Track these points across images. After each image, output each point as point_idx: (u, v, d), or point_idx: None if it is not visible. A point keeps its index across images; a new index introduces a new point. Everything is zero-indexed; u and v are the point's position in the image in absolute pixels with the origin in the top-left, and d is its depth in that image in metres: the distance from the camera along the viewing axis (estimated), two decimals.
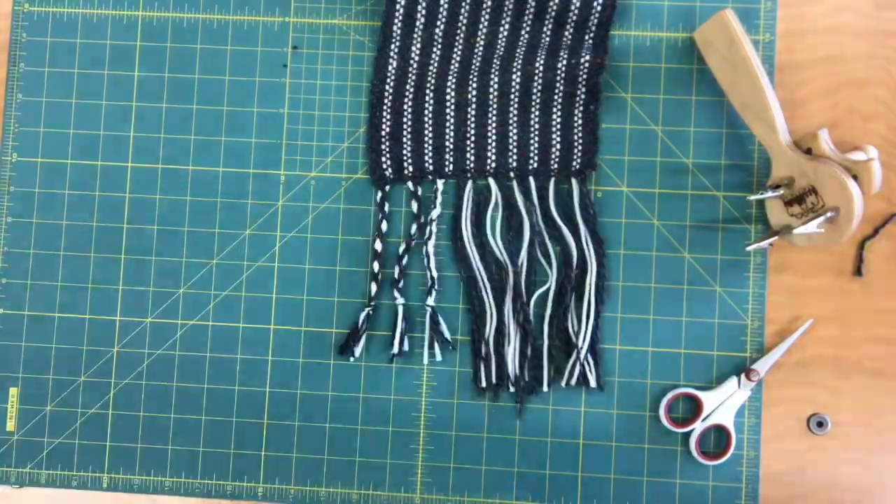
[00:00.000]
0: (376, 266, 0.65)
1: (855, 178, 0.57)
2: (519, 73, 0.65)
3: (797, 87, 0.66)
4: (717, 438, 0.65)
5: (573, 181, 0.65)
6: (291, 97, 0.68)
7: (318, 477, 0.65)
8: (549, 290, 0.65)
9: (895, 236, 0.65)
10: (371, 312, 0.65)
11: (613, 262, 0.65)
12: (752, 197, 0.61)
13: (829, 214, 0.57)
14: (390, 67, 0.66)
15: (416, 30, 0.66)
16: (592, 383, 0.64)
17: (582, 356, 0.64)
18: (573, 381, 0.64)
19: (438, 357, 0.65)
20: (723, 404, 0.64)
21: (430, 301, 0.65)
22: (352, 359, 0.65)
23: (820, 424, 0.64)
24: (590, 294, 0.64)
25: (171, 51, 0.68)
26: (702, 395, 0.64)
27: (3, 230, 0.68)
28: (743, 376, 0.64)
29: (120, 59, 0.68)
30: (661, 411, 0.64)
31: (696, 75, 0.66)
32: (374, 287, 0.65)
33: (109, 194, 0.68)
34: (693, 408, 0.64)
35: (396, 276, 0.65)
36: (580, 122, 0.65)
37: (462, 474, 0.65)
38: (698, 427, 0.64)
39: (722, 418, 0.63)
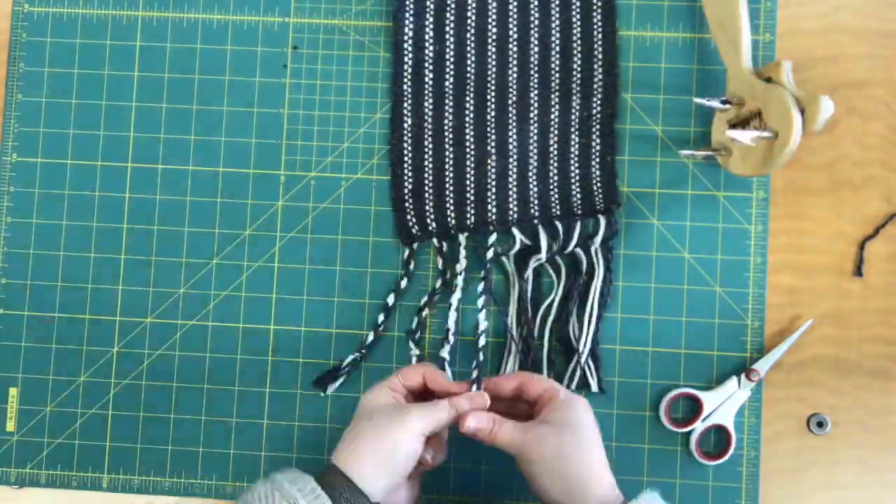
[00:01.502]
0: (381, 317, 0.65)
1: (802, 112, 0.57)
2: (536, 125, 0.65)
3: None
4: (717, 438, 0.65)
5: (601, 218, 0.65)
6: (291, 97, 0.68)
7: None
8: (553, 296, 0.65)
9: (895, 236, 0.65)
10: (360, 357, 0.65)
11: (613, 262, 0.65)
12: (698, 100, 0.61)
13: (766, 133, 0.57)
14: (406, 126, 0.66)
15: (425, 85, 0.66)
16: (594, 388, 0.64)
17: (583, 361, 0.64)
18: (573, 386, 0.64)
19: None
20: (723, 404, 0.64)
21: (445, 353, 0.64)
22: (322, 394, 0.65)
23: (820, 424, 0.64)
24: (593, 299, 0.64)
25: (171, 51, 0.68)
26: (702, 395, 0.64)
27: (3, 230, 0.68)
28: (743, 376, 0.64)
29: (120, 59, 0.68)
30: (662, 411, 0.64)
31: (696, 75, 0.66)
32: (370, 336, 0.65)
33: (109, 194, 0.68)
34: (693, 408, 0.64)
35: (414, 327, 0.65)
36: (598, 173, 0.65)
37: (462, 474, 0.65)
38: (698, 427, 0.64)
39: (722, 418, 0.63)
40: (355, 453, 0.53)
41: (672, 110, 0.66)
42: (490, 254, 0.64)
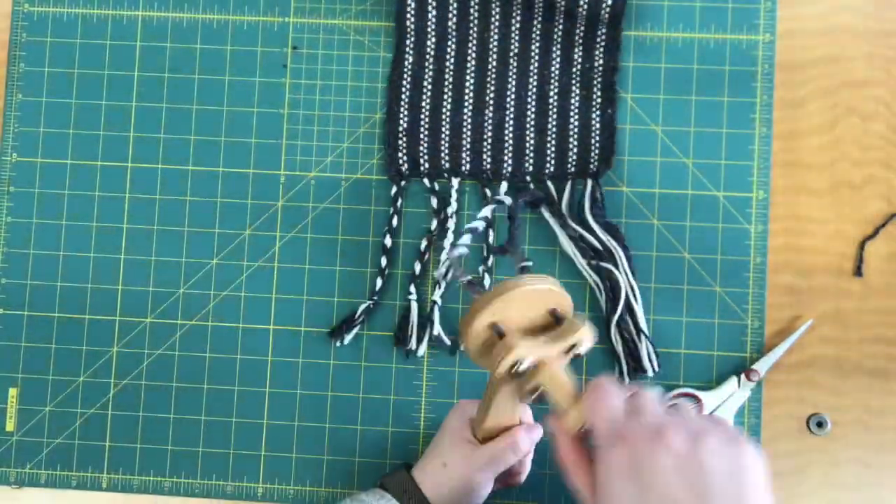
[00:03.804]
0: (384, 261, 0.65)
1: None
2: (535, 77, 0.66)
3: (797, 87, 0.66)
4: None
5: (588, 181, 0.65)
6: (291, 97, 0.68)
7: (318, 477, 0.65)
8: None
9: (895, 236, 0.65)
10: (372, 306, 0.65)
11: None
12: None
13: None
14: (407, 63, 0.67)
15: (429, 24, 0.66)
16: (656, 367, 0.63)
17: (644, 344, 0.63)
18: (625, 376, 0.63)
19: (447, 342, 0.65)
20: (723, 404, 0.64)
21: (437, 296, 0.65)
22: (338, 343, 0.65)
23: (820, 424, 0.64)
24: (627, 289, 0.63)
25: (171, 51, 0.68)
26: (702, 395, 0.64)
27: (3, 230, 0.68)
28: (743, 376, 0.64)
29: (120, 59, 0.68)
30: None
31: (696, 75, 0.66)
32: (379, 282, 0.65)
33: (109, 194, 0.68)
34: (693, 408, 0.64)
35: (417, 272, 0.65)
36: (598, 126, 0.65)
37: None
38: None
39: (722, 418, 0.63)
40: (440, 489, 0.54)
41: (672, 110, 0.66)
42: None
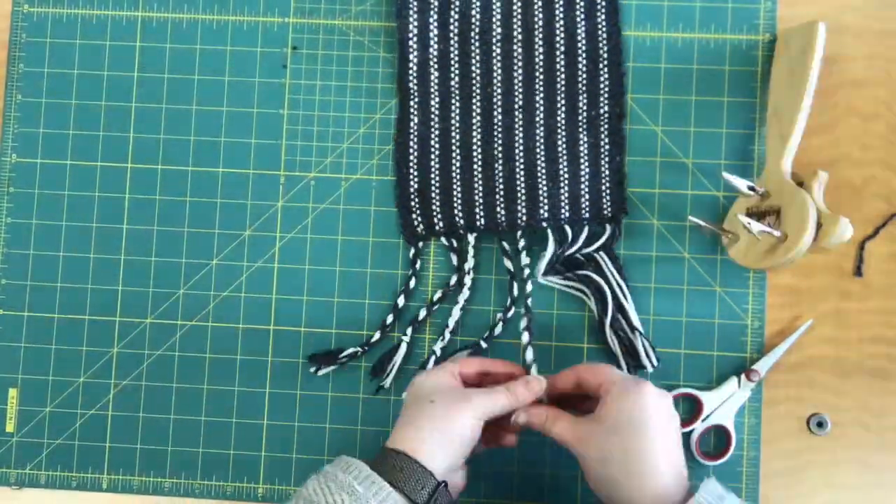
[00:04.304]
0: (390, 318, 0.65)
1: (820, 225, 0.56)
2: (542, 128, 0.65)
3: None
4: (717, 438, 0.65)
5: (607, 226, 0.65)
6: (291, 97, 0.68)
7: None
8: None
9: (895, 236, 0.65)
10: (360, 353, 0.65)
11: (619, 261, 0.65)
12: (727, 175, 0.59)
13: (776, 232, 0.57)
14: (412, 124, 0.66)
15: (431, 84, 0.66)
16: (654, 363, 0.63)
17: (640, 344, 0.63)
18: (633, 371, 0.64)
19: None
20: (723, 404, 0.64)
21: (437, 347, 0.65)
22: (312, 370, 0.65)
23: (820, 424, 0.64)
24: (619, 286, 0.64)
25: (171, 51, 0.68)
26: (702, 395, 0.64)
27: (3, 230, 0.68)
28: (743, 376, 0.64)
29: (120, 59, 0.68)
30: None
31: (696, 75, 0.66)
32: (377, 335, 0.65)
33: (109, 195, 0.68)
34: (693, 408, 0.64)
35: (421, 318, 0.65)
36: (607, 173, 0.65)
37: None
38: (698, 427, 0.64)
39: (722, 418, 0.63)
40: (420, 433, 0.52)
41: (672, 110, 0.66)
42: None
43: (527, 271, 0.65)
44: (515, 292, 0.65)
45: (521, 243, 0.65)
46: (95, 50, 0.69)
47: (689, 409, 0.64)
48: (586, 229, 0.65)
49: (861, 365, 0.64)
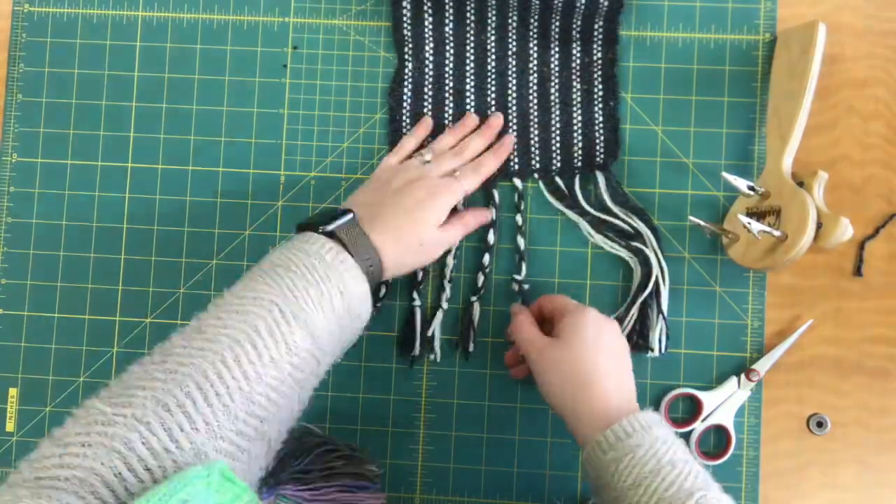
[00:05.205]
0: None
1: (820, 225, 0.57)
2: (535, 75, 0.66)
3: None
4: (717, 438, 0.65)
5: (598, 174, 0.65)
6: (291, 97, 0.68)
7: None
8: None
9: (895, 236, 0.65)
10: (374, 313, 0.65)
11: (613, 262, 0.65)
12: (727, 175, 0.59)
13: (776, 233, 0.57)
14: (406, 71, 0.67)
15: (425, 31, 0.66)
16: (663, 349, 0.64)
17: (659, 331, 0.64)
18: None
19: (438, 358, 0.65)
20: (723, 404, 0.64)
21: (444, 300, 0.65)
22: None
23: (820, 424, 0.64)
24: (657, 270, 0.64)
25: (171, 51, 0.68)
26: (702, 395, 0.64)
27: (3, 230, 0.68)
28: (743, 376, 0.64)
29: (120, 59, 0.68)
30: (661, 411, 0.64)
31: (696, 75, 0.66)
32: (383, 289, 0.65)
33: (109, 194, 0.68)
34: (693, 408, 0.64)
35: (419, 277, 0.65)
36: (601, 119, 0.66)
37: (462, 474, 0.65)
38: (698, 427, 0.64)
39: (722, 418, 0.63)
40: (383, 235, 0.56)
41: (672, 110, 0.66)
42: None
43: (520, 220, 0.66)
44: (491, 240, 0.65)
45: (519, 187, 0.66)
46: (95, 50, 0.69)
47: (689, 409, 0.64)
48: (578, 179, 0.65)
49: (861, 365, 0.64)
